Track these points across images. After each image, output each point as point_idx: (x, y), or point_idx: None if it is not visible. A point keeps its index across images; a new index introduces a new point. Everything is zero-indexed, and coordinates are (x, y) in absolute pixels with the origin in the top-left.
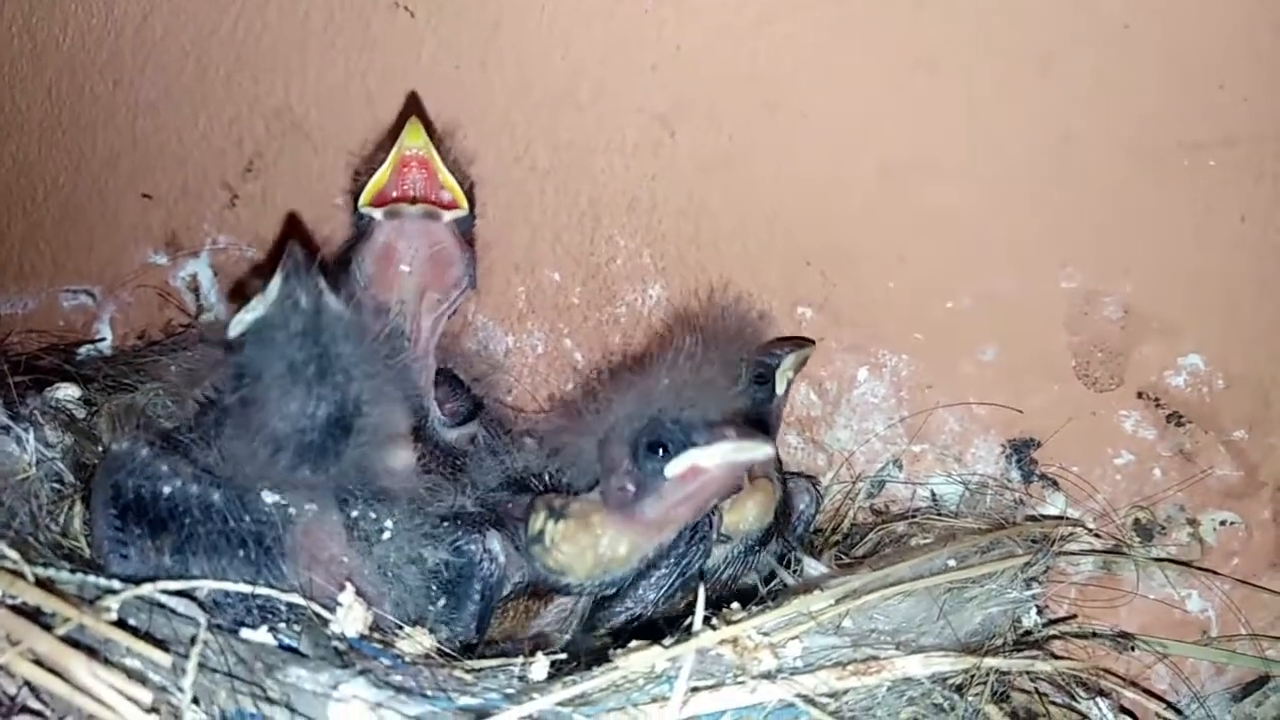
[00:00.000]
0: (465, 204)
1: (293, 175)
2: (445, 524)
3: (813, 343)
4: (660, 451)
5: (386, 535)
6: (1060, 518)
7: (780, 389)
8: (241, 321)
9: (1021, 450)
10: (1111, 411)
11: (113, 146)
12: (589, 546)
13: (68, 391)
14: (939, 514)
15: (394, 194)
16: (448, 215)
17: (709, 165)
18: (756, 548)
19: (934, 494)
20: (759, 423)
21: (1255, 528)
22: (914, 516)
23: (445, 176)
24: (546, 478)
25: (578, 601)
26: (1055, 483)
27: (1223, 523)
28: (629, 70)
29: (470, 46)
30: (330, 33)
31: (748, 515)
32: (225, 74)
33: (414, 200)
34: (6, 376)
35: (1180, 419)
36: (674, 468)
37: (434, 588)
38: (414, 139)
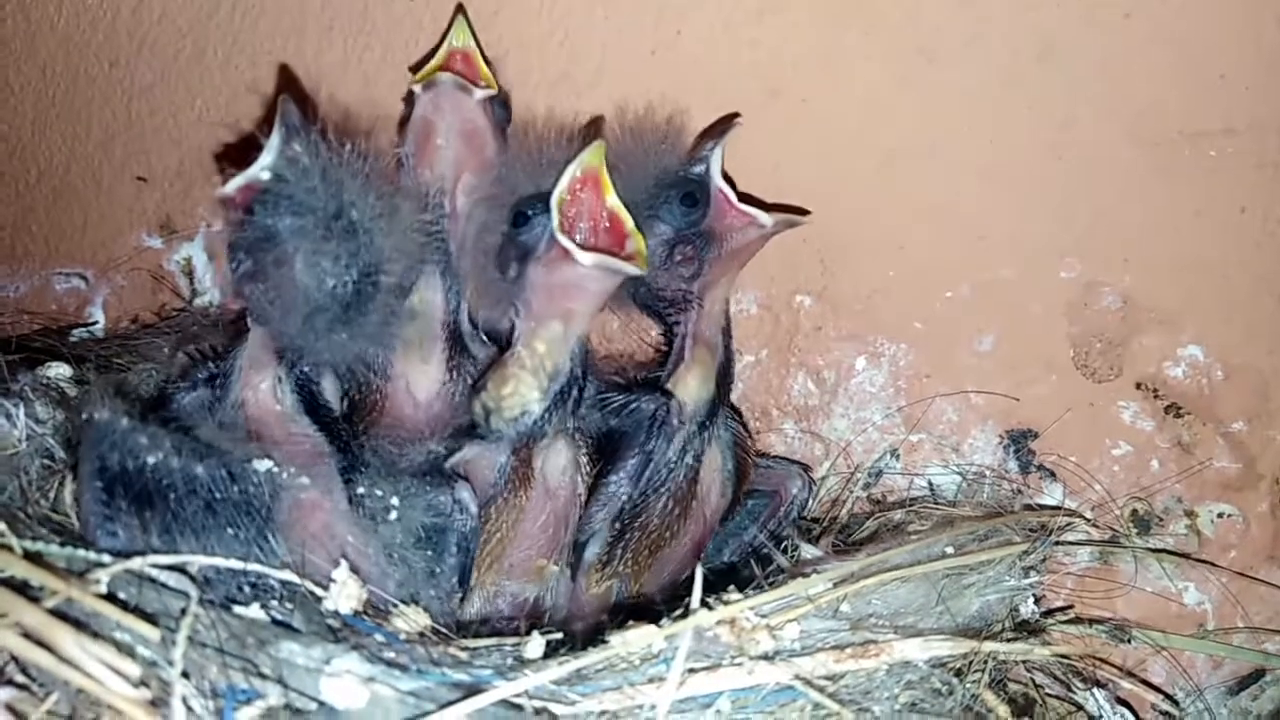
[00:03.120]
0: (495, 85)
1: None
2: (415, 481)
3: (733, 122)
4: (523, 220)
5: (394, 516)
6: (1058, 508)
7: (715, 177)
8: (239, 180)
9: (1019, 440)
10: (1110, 402)
11: (108, 128)
12: (516, 373)
13: (59, 370)
14: (936, 503)
15: None
16: (479, 91)
17: None
18: (706, 424)
19: (931, 484)
20: (694, 238)
21: (1253, 520)
22: (912, 505)
23: (483, 68)
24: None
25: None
26: (1053, 473)
27: (1220, 515)
28: (628, 56)
29: None
30: (328, 16)
31: (690, 387)
32: (222, 57)
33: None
34: None
35: (1179, 410)
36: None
37: (430, 555)
38: (460, 37)
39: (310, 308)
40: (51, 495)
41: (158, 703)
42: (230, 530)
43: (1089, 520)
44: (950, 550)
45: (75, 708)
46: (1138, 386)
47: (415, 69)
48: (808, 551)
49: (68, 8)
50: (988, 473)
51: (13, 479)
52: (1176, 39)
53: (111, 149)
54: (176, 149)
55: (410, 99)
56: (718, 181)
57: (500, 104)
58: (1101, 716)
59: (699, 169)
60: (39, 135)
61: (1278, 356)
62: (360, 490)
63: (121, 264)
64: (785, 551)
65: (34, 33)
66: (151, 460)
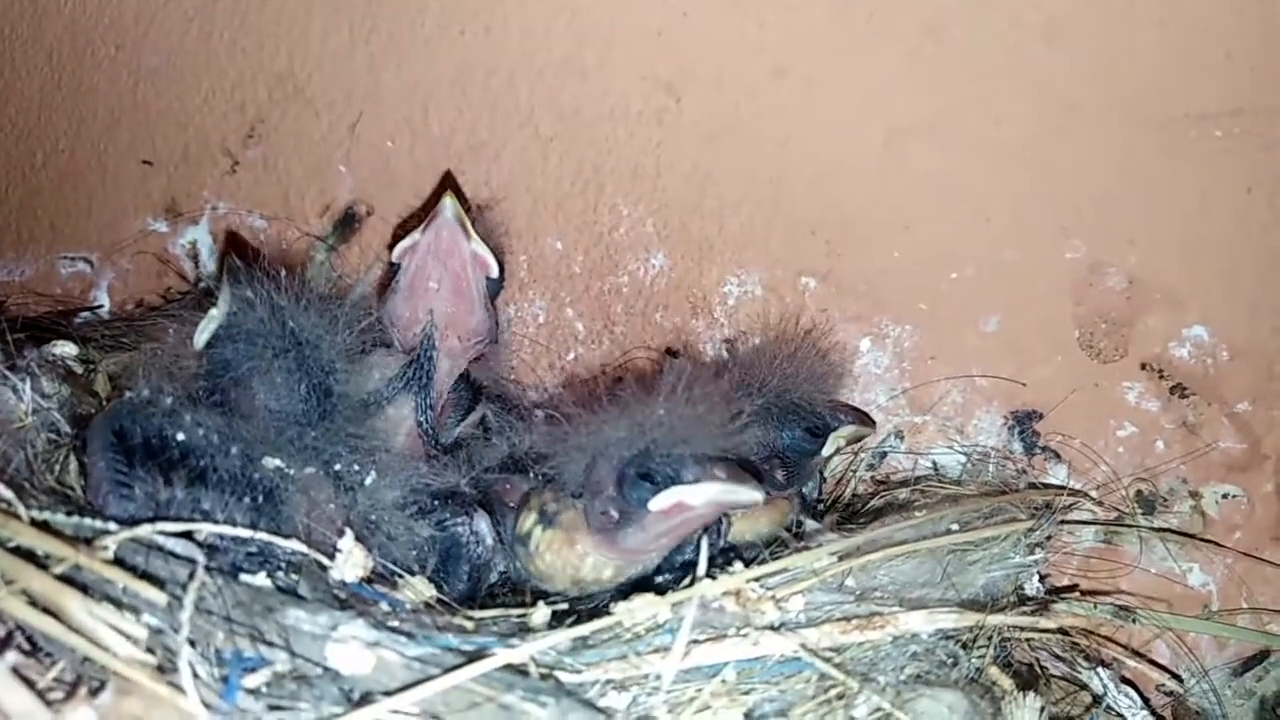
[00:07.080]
0: (496, 268)
1: (294, 141)
2: (435, 501)
3: (874, 425)
4: (647, 483)
5: (368, 481)
6: (1063, 488)
7: (828, 450)
8: (203, 332)
9: (1024, 422)
10: (1115, 383)
11: (113, 112)
12: (571, 564)
13: (65, 348)
14: (941, 483)
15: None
16: (476, 242)
17: (714, 133)
18: (757, 557)
19: (935, 465)
20: (794, 464)
21: (1258, 501)
22: (916, 485)
23: (478, 242)
24: (545, 467)
25: None
26: (1058, 454)
27: (1225, 495)
28: (634, 37)
29: (475, 11)
30: None
31: (758, 528)
32: (229, 40)
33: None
34: (5, 331)
35: (1184, 391)
36: (659, 502)
37: (420, 539)
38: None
39: (275, 420)
40: (57, 468)
41: (164, 668)
42: (248, 499)
43: (1094, 500)
44: (955, 527)
45: (81, 675)
46: (1143, 367)
47: (391, 246)
48: (811, 526)
49: None
50: (992, 453)
51: (19, 451)
52: (1182, 19)
53: (117, 133)
54: (182, 132)
55: (391, 269)
56: (837, 443)
57: (496, 279)
58: (1106, 695)
59: (835, 422)
60: (44, 119)
61: None
62: (338, 467)
63: (127, 247)
64: (790, 529)
65: (40, 16)
66: (186, 436)
